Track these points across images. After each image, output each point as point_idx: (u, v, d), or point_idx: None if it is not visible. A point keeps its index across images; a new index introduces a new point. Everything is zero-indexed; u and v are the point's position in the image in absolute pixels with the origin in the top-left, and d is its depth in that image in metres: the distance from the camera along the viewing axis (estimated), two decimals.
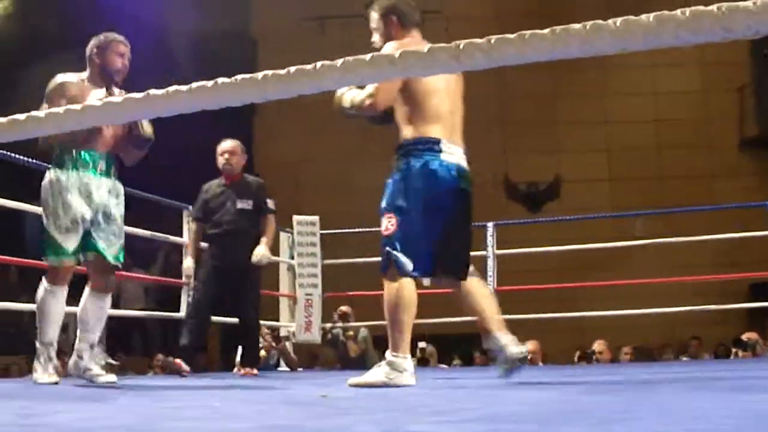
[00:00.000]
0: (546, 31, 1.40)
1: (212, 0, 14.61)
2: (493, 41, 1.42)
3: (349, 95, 4.31)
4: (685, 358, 10.79)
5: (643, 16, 1.39)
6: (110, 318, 4.88)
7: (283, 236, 9.32)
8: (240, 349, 7.64)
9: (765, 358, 9.72)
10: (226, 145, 7.40)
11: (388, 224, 4.18)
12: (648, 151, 16.55)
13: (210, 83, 1.57)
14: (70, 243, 4.61)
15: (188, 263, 7.34)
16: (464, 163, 4.29)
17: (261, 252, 7.07)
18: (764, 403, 2.52)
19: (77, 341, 4.79)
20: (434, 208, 4.17)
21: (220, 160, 7.32)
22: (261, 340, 8.96)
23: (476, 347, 11.92)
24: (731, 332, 11.12)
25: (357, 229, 9.71)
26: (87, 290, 4.80)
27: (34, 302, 4.82)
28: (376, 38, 4.49)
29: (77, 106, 1.69)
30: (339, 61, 1.49)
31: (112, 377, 4.79)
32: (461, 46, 1.43)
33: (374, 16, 4.53)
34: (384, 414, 2.48)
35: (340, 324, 9.43)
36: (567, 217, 12.51)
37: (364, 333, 9.53)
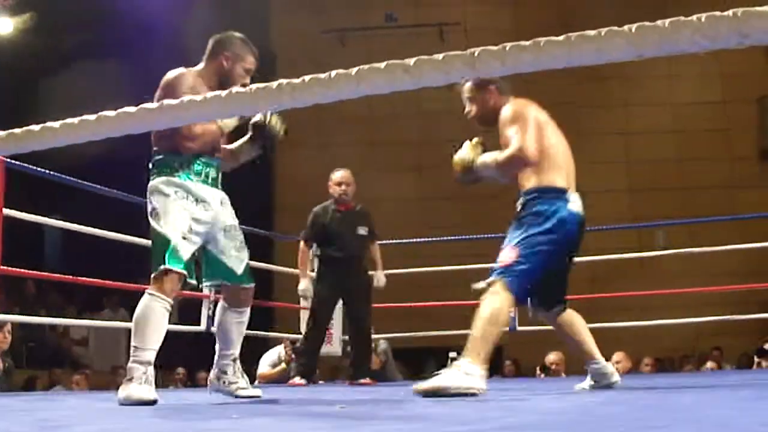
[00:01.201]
0: (561, 37, 1.39)
1: (231, 13, 14.65)
2: (508, 48, 1.41)
3: (484, 159, 4.54)
4: (708, 366, 10.72)
5: (659, 22, 1.38)
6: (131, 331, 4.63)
7: None
8: (354, 360, 8.01)
9: None
10: (342, 175, 7.91)
11: (507, 256, 4.36)
12: (667, 162, 16.49)
13: (224, 93, 1.58)
14: (187, 254, 4.16)
15: (306, 285, 7.91)
16: (581, 211, 4.53)
17: (382, 276, 7.96)
18: None
19: (217, 357, 4.57)
20: (555, 252, 4.40)
21: (336, 190, 7.87)
22: (283, 352, 8.96)
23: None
24: (753, 342, 11.05)
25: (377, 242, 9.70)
26: (221, 304, 4.57)
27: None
28: (470, 108, 4.75)
29: (92, 117, 1.69)
30: (354, 70, 1.49)
31: (257, 391, 4.63)
32: (476, 54, 1.43)
33: (469, 86, 4.72)
34: (404, 425, 2.47)
35: None
36: (588, 228, 12.47)
37: (384, 345, 9.52)
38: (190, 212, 4.19)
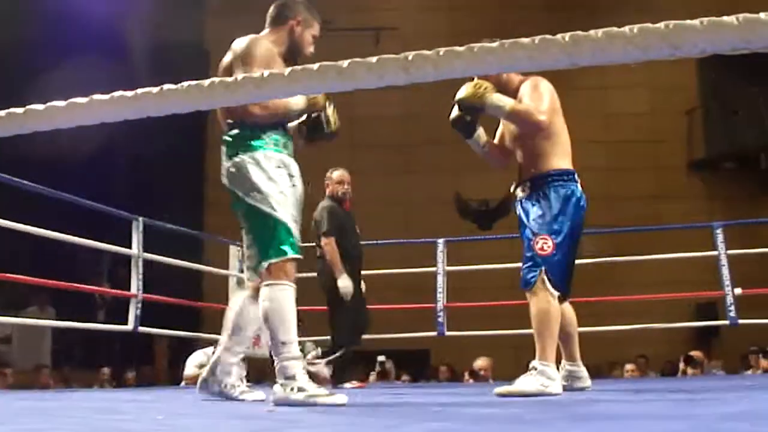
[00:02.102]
0: (495, 44, 1.40)
1: (167, 11, 14.54)
2: (441, 53, 1.42)
3: (500, 96, 4.39)
4: (628, 371, 10.86)
5: (592, 32, 1.40)
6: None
7: (233, 249, 9.26)
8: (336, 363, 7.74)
9: (710, 374, 9.84)
10: (344, 174, 7.77)
11: (545, 245, 4.43)
12: (597, 171, 16.66)
13: (155, 89, 1.56)
14: (298, 235, 3.91)
15: (347, 282, 7.39)
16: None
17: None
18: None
19: (222, 352, 4.18)
20: (575, 234, 4.53)
21: (339, 188, 7.68)
22: (211, 354, 8.88)
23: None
24: (677, 351, 11.22)
25: (306, 244, 9.67)
26: (246, 294, 4.17)
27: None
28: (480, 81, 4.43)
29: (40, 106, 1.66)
30: (287, 70, 1.48)
31: (260, 394, 4.24)
32: (410, 58, 1.43)
33: None
34: (331, 428, 2.47)
35: None
36: (517, 234, 12.56)
37: (311, 348, 9.50)
38: (292, 190, 3.90)
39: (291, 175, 3.93)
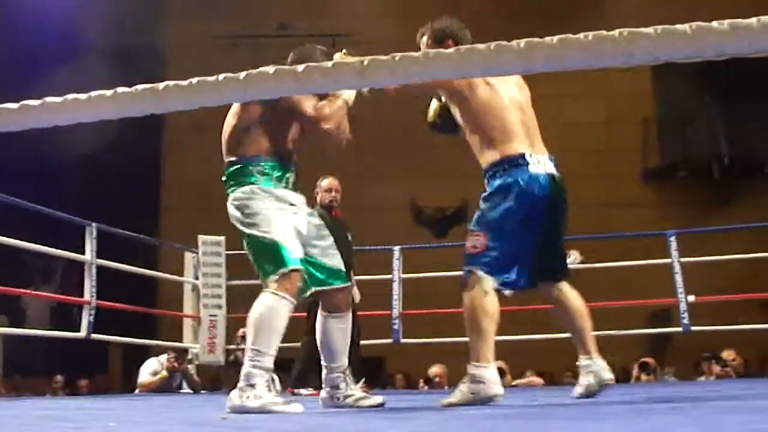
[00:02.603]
0: (451, 50, 1.41)
1: (124, 14, 14.45)
2: (397, 58, 1.42)
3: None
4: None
5: (547, 38, 1.40)
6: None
7: (188, 256, 9.22)
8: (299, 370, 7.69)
9: (663, 381, 9.92)
10: (331, 182, 7.73)
11: (476, 242, 4.15)
12: None
13: (109, 92, 1.54)
14: (298, 252, 4.02)
15: None
16: (553, 170, 4.26)
17: (357, 291, 7.53)
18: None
19: (325, 372, 4.23)
20: (528, 222, 4.14)
21: (327, 196, 7.66)
22: (165, 361, 8.82)
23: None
24: (631, 358, 11.30)
25: None
26: (321, 313, 4.26)
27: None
28: None
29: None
30: (242, 74, 1.48)
31: (378, 398, 4.28)
32: (366, 63, 1.43)
33: (425, 41, 4.44)
34: None
35: (243, 346, 9.36)
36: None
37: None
38: (288, 216, 4.04)
39: (291, 204, 4.11)
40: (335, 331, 4.22)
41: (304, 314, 7.36)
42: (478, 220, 4.19)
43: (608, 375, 4.44)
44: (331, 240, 4.27)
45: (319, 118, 4.03)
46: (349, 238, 7.70)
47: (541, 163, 4.20)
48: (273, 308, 3.89)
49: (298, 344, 7.71)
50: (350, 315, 4.27)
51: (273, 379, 4.04)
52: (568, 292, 4.44)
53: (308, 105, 4.01)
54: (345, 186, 7.64)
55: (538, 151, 4.25)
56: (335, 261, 4.20)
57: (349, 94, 4.10)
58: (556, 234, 4.32)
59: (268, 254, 3.99)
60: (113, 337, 8.49)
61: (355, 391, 4.24)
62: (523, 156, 4.16)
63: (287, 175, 4.17)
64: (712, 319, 8.80)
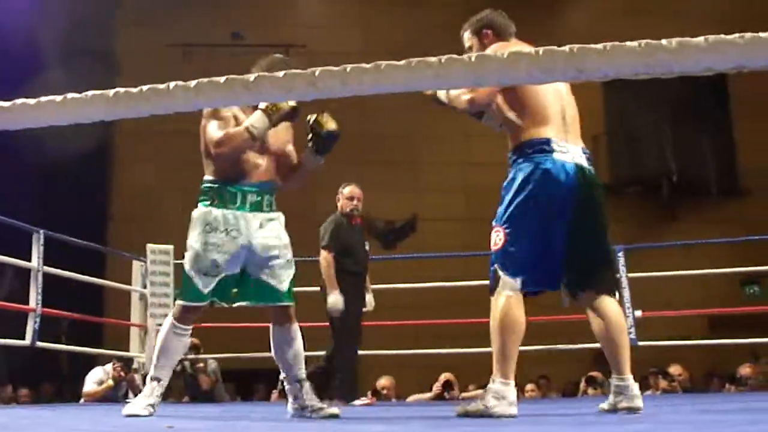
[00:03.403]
0: (402, 62, 1.41)
1: (76, 20, 14.32)
2: (349, 69, 1.42)
3: (445, 90, 4.08)
4: (528, 391, 10.96)
5: (498, 52, 1.41)
6: None
7: (136, 264, 9.15)
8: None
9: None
10: (354, 190, 7.80)
11: (496, 239, 3.90)
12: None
13: (59, 98, 1.53)
14: (210, 286, 4.30)
15: (338, 298, 7.35)
16: (584, 162, 3.93)
17: (372, 299, 7.86)
18: None
19: (281, 384, 4.54)
20: (551, 214, 3.81)
21: (349, 204, 7.72)
22: (111, 370, 8.74)
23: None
24: (578, 372, 11.37)
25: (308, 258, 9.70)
26: (272, 327, 4.49)
27: None
28: None
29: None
30: (193, 82, 1.47)
31: (333, 410, 4.48)
32: (317, 73, 1.43)
33: (467, 35, 4.31)
34: None
35: (191, 356, 9.31)
36: (423, 254, 12.66)
37: (213, 365, 9.42)
38: (216, 246, 4.27)
39: (228, 230, 4.31)
40: (283, 344, 4.45)
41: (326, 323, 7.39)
42: (500, 214, 3.94)
43: (639, 403, 3.97)
44: (286, 258, 4.42)
45: (210, 142, 4.27)
46: (366, 246, 7.83)
47: (569, 152, 3.91)
48: (164, 334, 4.42)
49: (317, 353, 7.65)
50: (296, 329, 4.48)
51: (301, 388, 4.43)
52: (608, 305, 3.98)
53: (211, 129, 4.25)
54: (298, 196, 7.62)
55: (571, 140, 3.99)
56: (282, 280, 4.39)
57: (257, 122, 4.13)
58: (589, 236, 3.89)
59: (184, 280, 4.39)
60: (59, 345, 8.40)
61: (313, 401, 4.45)
62: (549, 141, 3.88)
63: (243, 196, 4.33)
64: (659, 334, 8.88)
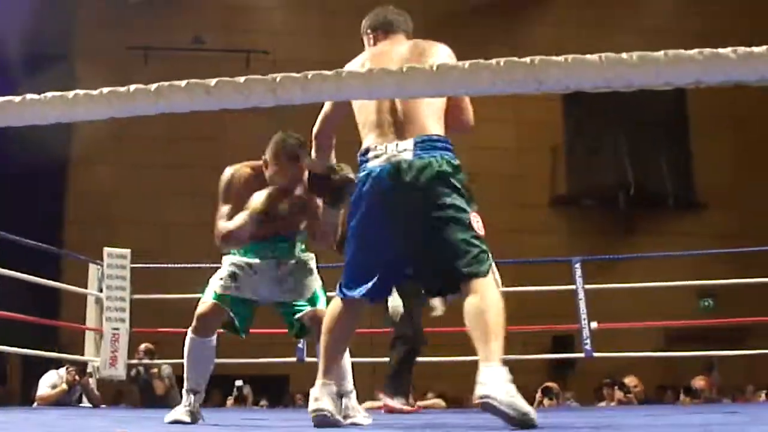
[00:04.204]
0: (363, 71, 1.41)
1: (36, 22, 14.22)
2: (309, 76, 1.42)
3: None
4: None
5: (459, 63, 1.42)
6: None
7: (92, 268, 9.08)
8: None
9: (565, 406, 10.04)
10: None
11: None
12: None
13: (17, 98, 1.52)
14: (228, 291, 4.36)
15: (396, 302, 7.06)
16: (398, 157, 3.42)
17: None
18: None
19: None
20: (364, 224, 3.52)
21: None
22: (65, 374, 8.66)
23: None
24: (533, 382, 11.41)
25: (167, 265, 9.60)
26: None
27: None
28: None
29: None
30: (153, 86, 1.46)
31: (362, 419, 4.40)
32: (278, 80, 1.43)
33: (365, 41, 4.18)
34: None
35: (145, 360, 9.26)
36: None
37: (167, 370, 9.37)
38: (238, 267, 4.39)
39: (246, 265, 4.42)
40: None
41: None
42: None
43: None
44: (295, 282, 4.46)
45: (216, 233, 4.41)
46: None
47: (384, 154, 3.47)
48: (187, 349, 4.36)
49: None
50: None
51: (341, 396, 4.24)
52: (473, 296, 3.33)
53: (218, 216, 4.39)
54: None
55: (395, 137, 3.48)
56: (302, 293, 4.46)
57: (255, 205, 4.23)
58: (426, 233, 3.39)
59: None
60: (12, 348, 8.31)
61: (350, 410, 4.39)
62: (366, 151, 3.53)
63: (263, 251, 4.43)
64: (614, 346, 8.94)
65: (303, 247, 4.56)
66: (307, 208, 4.37)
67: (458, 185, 3.43)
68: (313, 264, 4.54)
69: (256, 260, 4.40)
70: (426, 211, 3.37)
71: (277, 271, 4.41)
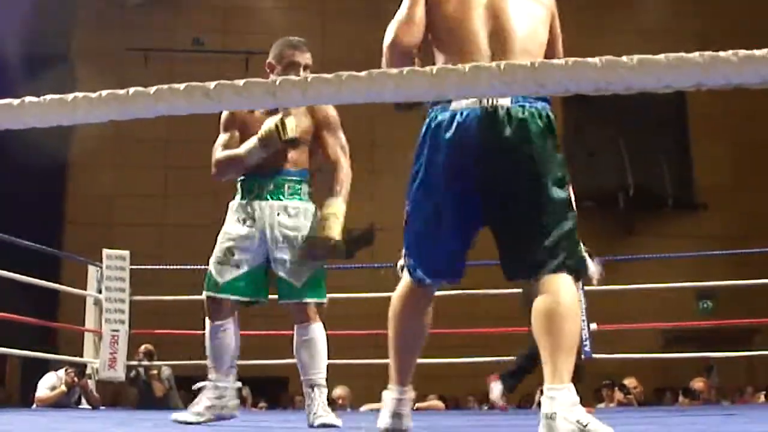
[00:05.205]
0: (363, 73, 1.41)
1: (36, 23, 14.22)
2: (309, 79, 1.42)
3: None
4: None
5: (459, 66, 1.41)
6: None
7: (92, 269, 9.07)
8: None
9: None
10: None
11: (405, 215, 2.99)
12: None
13: (16, 101, 1.51)
14: (226, 276, 4.35)
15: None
16: (501, 102, 2.75)
17: None
18: None
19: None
20: (436, 184, 2.87)
21: None
22: (64, 376, 8.65)
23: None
24: (531, 384, 11.40)
25: (167, 266, 9.58)
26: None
27: None
28: None
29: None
30: (152, 89, 1.46)
31: (333, 420, 4.29)
32: (278, 83, 1.43)
33: None
34: None
35: (145, 362, 9.25)
36: (376, 264, 12.67)
37: (167, 372, 9.37)
38: (232, 234, 4.34)
39: (246, 219, 4.35)
40: (300, 344, 4.36)
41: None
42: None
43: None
44: (291, 252, 4.33)
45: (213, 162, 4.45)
46: None
47: (465, 108, 2.79)
48: (207, 338, 4.38)
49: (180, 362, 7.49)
50: (314, 329, 4.36)
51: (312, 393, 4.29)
52: (552, 285, 2.76)
53: (215, 146, 4.42)
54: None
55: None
56: (290, 275, 4.33)
57: (249, 151, 4.28)
58: (514, 199, 2.85)
59: (206, 274, 4.44)
60: (11, 349, 8.31)
61: (317, 408, 4.29)
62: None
63: (259, 185, 4.35)
64: (613, 347, 8.94)
65: (309, 190, 4.46)
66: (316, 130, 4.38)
67: (558, 149, 2.92)
68: (311, 211, 4.42)
69: (254, 202, 4.35)
70: (524, 174, 2.80)
71: (276, 216, 4.31)
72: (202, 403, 4.30)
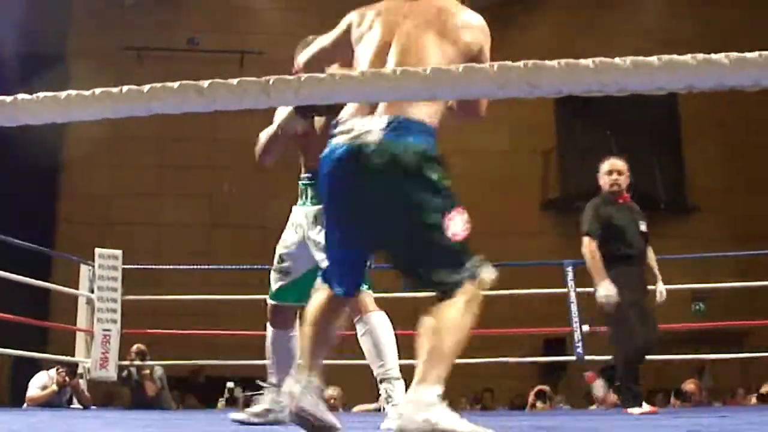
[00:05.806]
0: (356, 73, 1.41)
1: (31, 22, 14.20)
2: (303, 78, 1.42)
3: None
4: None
5: (452, 67, 1.42)
6: None
7: (84, 268, 9.06)
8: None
9: (558, 409, 10.05)
10: (614, 163, 7.17)
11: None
12: None
13: (9, 98, 1.51)
14: (278, 283, 4.37)
15: (606, 290, 6.50)
16: (363, 138, 2.80)
17: (664, 289, 7.14)
18: None
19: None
20: (330, 212, 3.07)
21: (608, 179, 7.04)
22: (55, 375, 8.64)
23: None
24: (524, 385, 11.43)
25: (161, 266, 9.57)
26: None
27: None
28: None
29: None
30: (146, 87, 1.46)
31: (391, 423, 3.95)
32: (271, 82, 1.43)
33: None
34: None
35: (137, 362, 9.24)
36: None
37: (159, 372, 9.36)
38: (286, 240, 4.36)
39: (294, 225, 4.37)
40: (361, 338, 4.17)
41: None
42: None
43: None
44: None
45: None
46: (642, 226, 6.95)
47: (353, 130, 2.86)
48: (269, 342, 4.38)
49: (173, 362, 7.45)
50: (371, 319, 4.12)
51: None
52: (431, 314, 2.94)
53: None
54: (251, 204, 7.60)
55: (367, 112, 2.83)
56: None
57: (282, 119, 4.21)
58: (387, 235, 2.95)
59: None
60: (2, 349, 8.29)
61: (389, 406, 4.02)
62: (337, 123, 2.95)
63: (303, 189, 4.38)
64: (605, 349, 8.95)
65: None
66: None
67: (433, 178, 2.84)
68: None
69: (300, 209, 4.33)
70: (388, 209, 2.86)
71: (313, 223, 4.24)
72: (262, 405, 4.24)
